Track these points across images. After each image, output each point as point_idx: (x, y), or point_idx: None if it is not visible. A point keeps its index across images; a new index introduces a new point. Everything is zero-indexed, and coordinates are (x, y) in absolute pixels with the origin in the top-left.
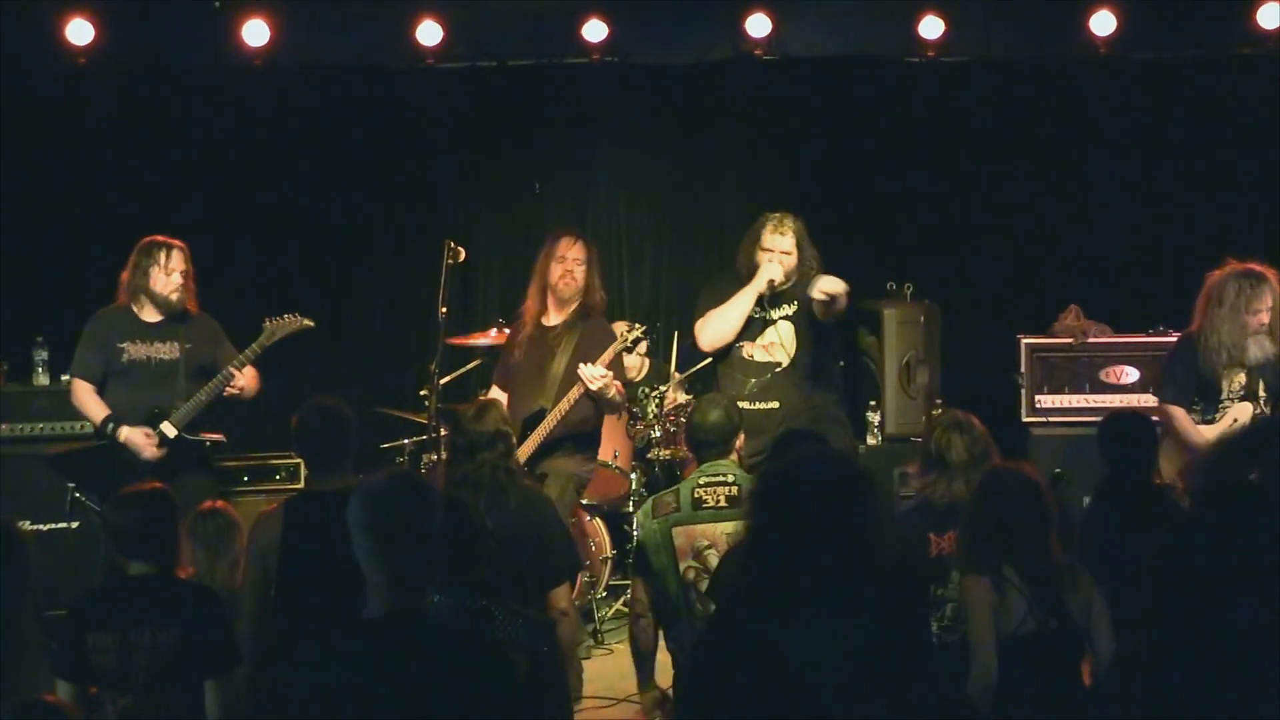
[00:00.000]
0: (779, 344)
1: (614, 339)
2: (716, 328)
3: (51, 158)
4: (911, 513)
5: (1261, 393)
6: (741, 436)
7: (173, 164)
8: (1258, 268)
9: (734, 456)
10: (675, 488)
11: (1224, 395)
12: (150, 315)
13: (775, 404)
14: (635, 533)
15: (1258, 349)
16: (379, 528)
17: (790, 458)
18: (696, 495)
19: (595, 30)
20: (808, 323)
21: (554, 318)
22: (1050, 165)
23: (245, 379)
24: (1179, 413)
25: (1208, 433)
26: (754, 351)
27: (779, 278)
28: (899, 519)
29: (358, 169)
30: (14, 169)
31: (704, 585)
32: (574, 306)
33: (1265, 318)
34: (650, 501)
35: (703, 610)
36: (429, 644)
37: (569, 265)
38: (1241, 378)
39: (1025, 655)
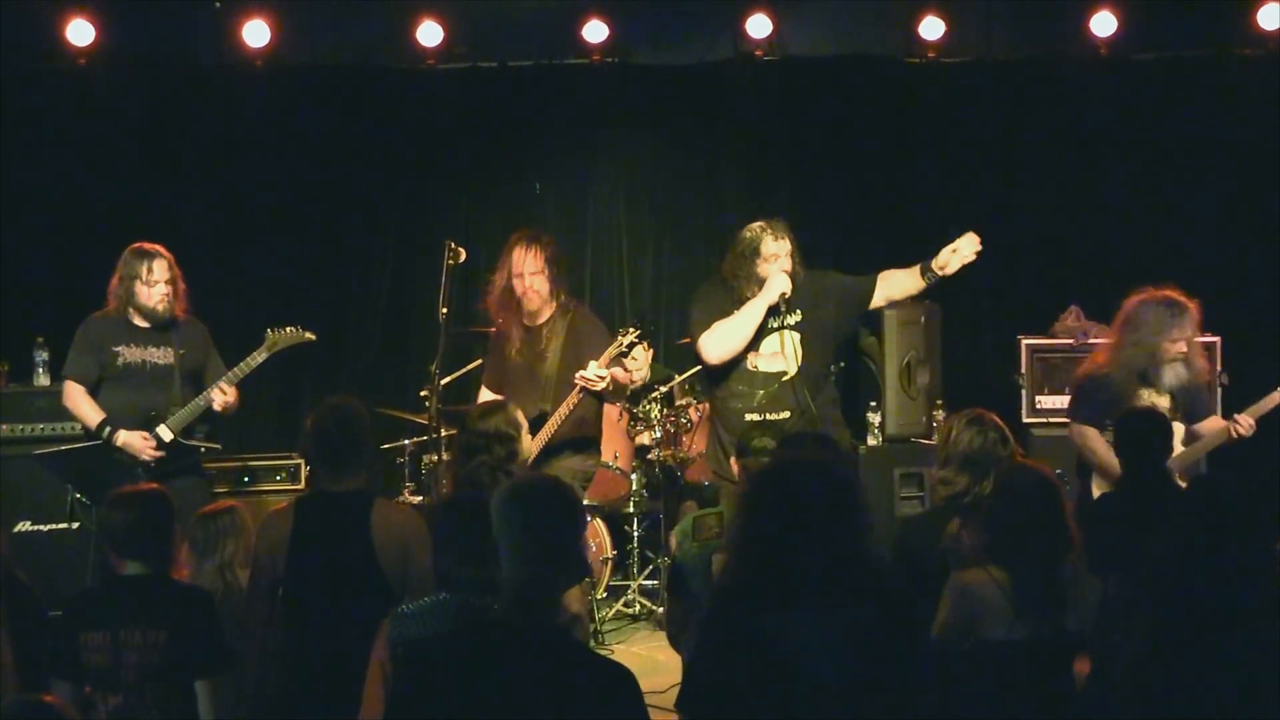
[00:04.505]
0: (785, 354)
1: (602, 329)
2: (728, 342)
3: (52, 158)
4: (926, 514)
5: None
6: None
7: (173, 164)
8: (1179, 297)
9: None
10: (718, 509)
11: None
12: (142, 321)
13: (786, 414)
14: (673, 553)
15: (1173, 375)
16: (525, 528)
17: (780, 458)
18: None
19: (595, 31)
20: (812, 331)
21: (536, 318)
22: (1050, 165)
23: (230, 397)
24: (1092, 433)
25: None
26: (758, 362)
27: (788, 289)
28: (911, 519)
29: (358, 169)
30: (14, 169)
31: None
32: (550, 310)
33: (1183, 347)
34: (690, 520)
35: None
36: (550, 652)
37: (528, 281)
38: (1163, 402)
39: (1016, 662)
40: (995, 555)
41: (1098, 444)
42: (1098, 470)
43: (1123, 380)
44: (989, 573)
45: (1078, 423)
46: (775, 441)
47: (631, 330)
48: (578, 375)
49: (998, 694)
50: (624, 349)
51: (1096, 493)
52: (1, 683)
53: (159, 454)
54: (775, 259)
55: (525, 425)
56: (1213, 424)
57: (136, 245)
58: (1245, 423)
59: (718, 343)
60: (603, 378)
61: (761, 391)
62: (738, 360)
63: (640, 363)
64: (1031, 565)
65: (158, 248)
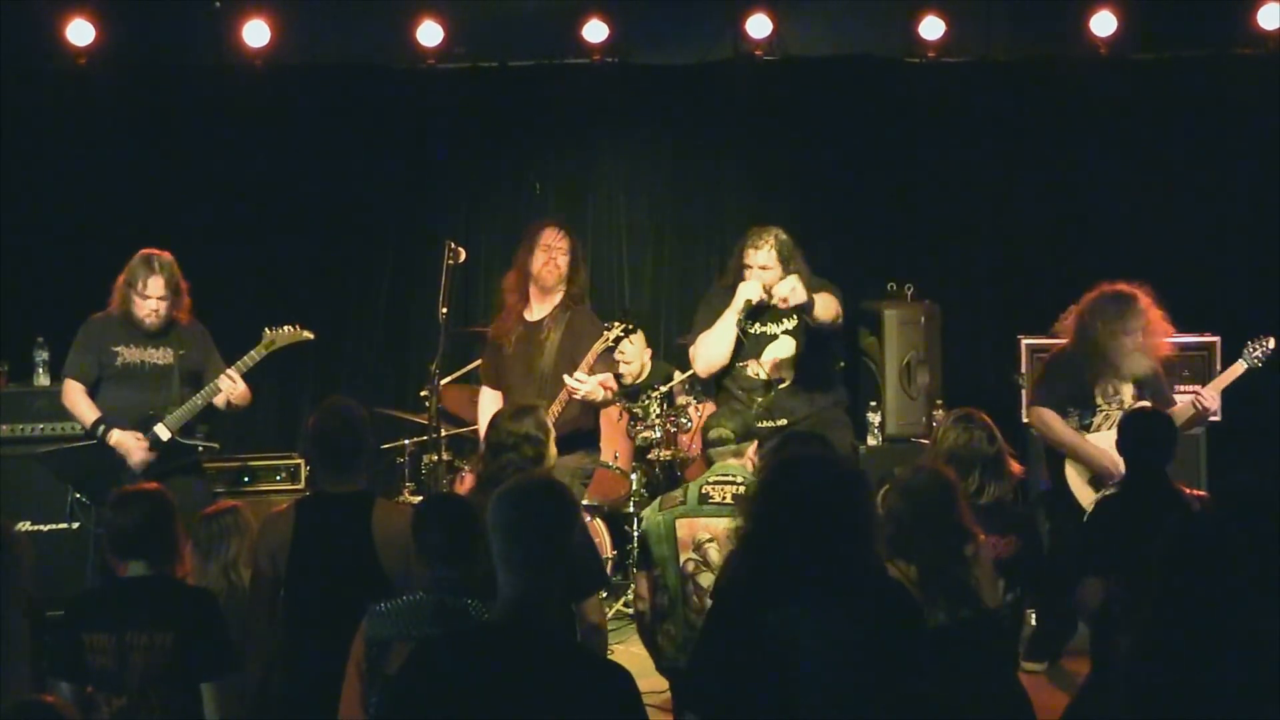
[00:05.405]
0: (783, 361)
1: (599, 330)
2: (710, 354)
3: (52, 158)
4: None
5: (1146, 403)
6: (755, 444)
7: (173, 164)
8: (1127, 289)
9: (746, 461)
10: (684, 486)
11: (1099, 403)
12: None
13: (783, 420)
14: (640, 528)
15: (1137, 364)
16: (521, 530)
17: (786, 457)
18: (704, 491)
19: (596, 30)
20: (807, 336)
21: (537, 311)
22: (1050, 165)
23: (238, 390)
24: (1051, 415)
25: (1091, 437)
26: (759, 369)
27: (755, 296)
28: None
29: (358, 169)
30: (14, 169)
31: (703, 578)
32: (558, 297)
33: (1139, 337)
34: (658, 499)
35: (699, 604)
36: (547, 655)
37: (553, 254)
38: (1127, 389)
39: (945, 647)
40: (897, 550)
41: (1055, 423)
42: (1068, 454)
43: (1084, 370)
44: (897, 567)
45: (1035, 405)
46: (733, 431)
47: (617, 325)
48: (565, 377)
49: (936, 680)
50: (610, 344)
51: (1072, 475)
52: (2, 683)
53: (151, 454)
54: (751, 269)
55: (553, 430)
56: (1181, 409)
57: (146, 252)
58: (1209, 395)
59: (701, 356)
60: (584, 382)
61: (759, 399)
62: (735, 366)
63: (630, 355)
64: (930, 557)
65: (165, 258)
